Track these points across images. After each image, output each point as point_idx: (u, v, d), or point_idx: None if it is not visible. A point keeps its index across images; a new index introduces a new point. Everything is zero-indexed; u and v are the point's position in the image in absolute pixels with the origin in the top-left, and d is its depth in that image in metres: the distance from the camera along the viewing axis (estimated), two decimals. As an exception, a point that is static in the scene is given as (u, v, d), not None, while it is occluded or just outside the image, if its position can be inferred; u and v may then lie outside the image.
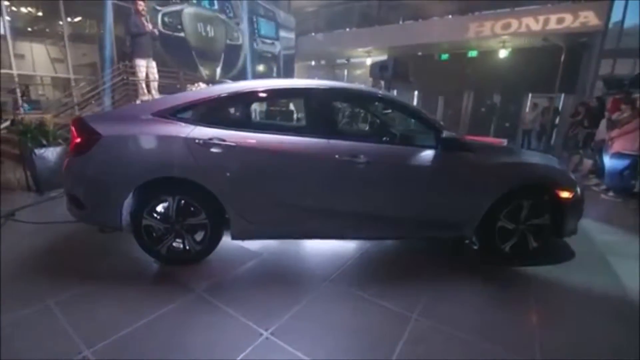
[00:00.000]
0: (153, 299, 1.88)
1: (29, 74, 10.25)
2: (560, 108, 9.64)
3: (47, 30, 11.12)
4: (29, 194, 3.78)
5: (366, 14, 11.69)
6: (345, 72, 14.20)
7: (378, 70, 4.94)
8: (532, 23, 8.26)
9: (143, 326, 1.67)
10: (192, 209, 2.16)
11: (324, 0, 12.72)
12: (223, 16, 10.02)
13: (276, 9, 11.91)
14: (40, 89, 10.65)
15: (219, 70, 9.88)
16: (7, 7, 12.26)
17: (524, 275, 2.32)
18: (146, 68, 5.81)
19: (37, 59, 11.18)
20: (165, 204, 2.15)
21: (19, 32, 11.58)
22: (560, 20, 7.88)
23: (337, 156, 2.12)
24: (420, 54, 11.54)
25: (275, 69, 11.92)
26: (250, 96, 2.35)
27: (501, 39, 9.10)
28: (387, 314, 1.84)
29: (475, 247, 2.61)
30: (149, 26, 5.53)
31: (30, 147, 3.76)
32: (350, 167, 2.14)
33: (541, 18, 8.18)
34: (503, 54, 9.60)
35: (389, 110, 2.71)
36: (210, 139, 2.07)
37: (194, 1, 9.22)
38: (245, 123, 2.23)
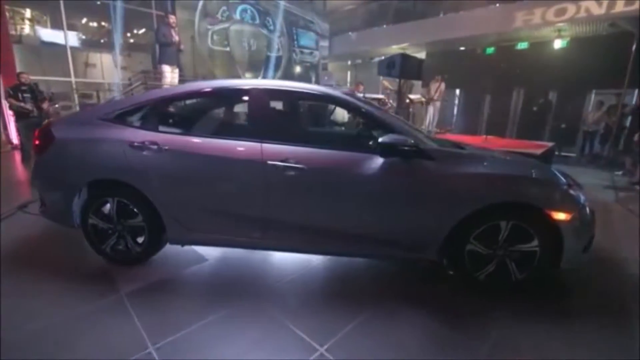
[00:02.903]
0: (76, 296, 1.94)
1: (99, 81, 11.68)
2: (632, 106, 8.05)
3: (120, 42, 12.44)
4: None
5: (403, 9, 11.06)
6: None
7: (385, 67, 4.58)
8: (594, 6, 6.98)
9: (55, 323, 1.72)
10: (130, 211, 2.18)
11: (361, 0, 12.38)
12: (264, 30, 10.85)
13: (316, 18, 12.10)
14: (108, 94, 12.10)
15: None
16: (85, 22, 14.07)
17: (493, 316, 1.88)
18: (171, 74, 6.28)
19: (105, 68, 12.70)
20: (107, 205, 2.20)
21: (93, 44, 13.22)
22: (630, 1, 6.55)
23: (269, 162, 1.95)
24: (462, 48, 10.60)
25: (313, 77, 12.42)
26: (189, 98, 2.28)
27: (556, 27, 7.89)
28: (294, 343, 1.62)
29: (452, 273, 2.22)
30: (177, 38, 6.09)
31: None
32: (282, 174, 1.95)
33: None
34: (559, 44, 8.31)
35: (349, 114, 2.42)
36: (143, 142, 2.06)
37: (238, 18, 9.84)
38: (181, 126, 2.17)
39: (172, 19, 6.21)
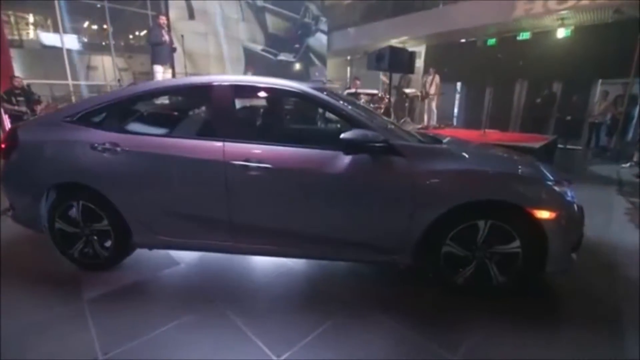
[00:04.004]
0: (36, 303, 1.89)
1: (101, 84, 11.76)
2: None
3: (113, 43, 12.51)
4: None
5: (402, 2, 10.81)
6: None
7: (374, 61, 4.44)
8: (598, -8, 6.71)
9: (4, 333, 1.65)
10: (96, 214, 2.11)
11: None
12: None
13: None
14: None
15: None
16: (87, 26, 14.16)
17: (470, 324, 1.76)
18: (163, 74, 6.26)
19: (107, 70, 12.79)
20: (74, 209, 2.13)
21: (94, 47, 13.31)
22: (635, -14, 6.25)
23: (232, 162, 1.85)
24: (463, 40, 10.33)
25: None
26: (151, 97, 2.20)
27: (558, 16, 7.60)
28: (251, 353, 1.53)
29: (430, 276, 2.10)
30: (167, 37, 6.08)
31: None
32: (245, 174, 1.85)
33: (609, -15, 6.60)
34: (562, 33, 8.02)
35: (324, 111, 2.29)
36: (104, 143, 1.99)
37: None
38: (142, 126, 2.09)
39: (162, 19, 6.26)
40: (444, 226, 1.81)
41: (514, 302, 1.90)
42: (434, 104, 8.54)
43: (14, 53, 10.32)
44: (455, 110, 11.55)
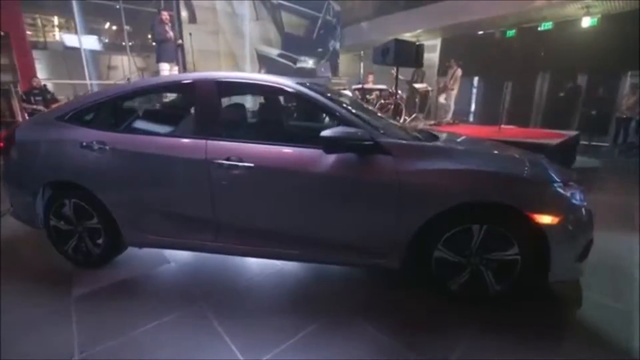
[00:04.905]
0: (24, 299, 1.92)
1: (120, 83, 12.11)
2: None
3: (131, 43, 12.83)
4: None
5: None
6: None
7: (380, 55, 4.29)
8: (627, -23, 6.23)
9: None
10: (87, 212, 2.12)
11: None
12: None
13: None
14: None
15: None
16: (108, 27, 14.61)
17: (458, 334, 1.64)
18: (169, 71, 6.28)
19: (127, 69, 13.18)
20: (65, 207, 2.16)
21: (115, 47, 13.72)
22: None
23: (214, 160, 1.80)
24: (480, 32, 9.91)
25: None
26: (138, 95, 2.18)
27: (583, 4, 7.13)
28: (222, 355, 1.49)
29: (423, 282, 1.98)
30: (172, 34, 6.03)
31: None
32: (228, 173, 1.80)
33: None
34: (587, 22, 7.52)
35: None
36: (92, 141, 1.99)
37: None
38: (129, 124, 2.07)
39: (164, 15, 6.06)
40: (434, 230, 1.70)
41: (510, 310, 1.77)
42: (451, 99, 8.16)
43: (38, 54, 10.79)
44: (473, 105, 11.14)
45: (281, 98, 2.28)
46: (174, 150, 1.88)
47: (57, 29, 13.93)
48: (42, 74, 10.13)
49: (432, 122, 7.54)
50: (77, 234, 2.19)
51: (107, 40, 13.92)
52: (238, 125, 2.11)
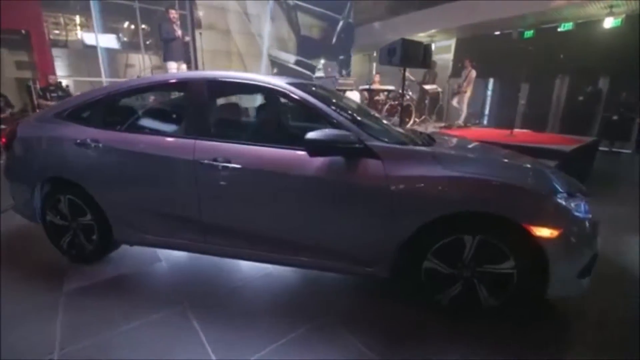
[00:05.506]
0: (14, 294, 1.94)
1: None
2: None
3: (148, 42, 13.10)
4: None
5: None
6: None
7: (386, 55, 4.20)
8: (655, -25, 5.90)
9: None
10: (81, 209, 2.15)
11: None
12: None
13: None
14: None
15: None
16: (127, 26, 14.99)
17: (445, 349, 1.56)
18: (177, 70, 6.32)
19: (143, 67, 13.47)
20: (61, 203, 2.19)
21: (133, 46, 14.06)
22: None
23: (202, 161, 1.78)
24: (497, 33, 9.62)
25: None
26: (133, 94, 2.18)
27: (606, 4, 6.80)
28: (199, 355, 1.47)
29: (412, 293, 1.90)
30: (179, 32, 6.03)
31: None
32: (215, 174, 1.78)
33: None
34: (610, 23, 7.18)
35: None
36: (86, 139, 2.01)
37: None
38: (123, 123, 2.07)
39: (172, 13, 6.01)
40: (424, 239, 1.62)
41: (501, 324, 1.67)
42: (464, 102, 7.93)
43: (59, 52, 11.14)
44: (487, 108, 10.82)
45: (275, 99, 2.22)
46: (164, 149, 1.88)
47: (78, 28, 14.37)
48: (62, 71, 10.46)
49: (443, 124, 7.36)
50: (72, 229, 2.22)
51: (125, 39, 14.26)
52: (228, 126, 2.08)
